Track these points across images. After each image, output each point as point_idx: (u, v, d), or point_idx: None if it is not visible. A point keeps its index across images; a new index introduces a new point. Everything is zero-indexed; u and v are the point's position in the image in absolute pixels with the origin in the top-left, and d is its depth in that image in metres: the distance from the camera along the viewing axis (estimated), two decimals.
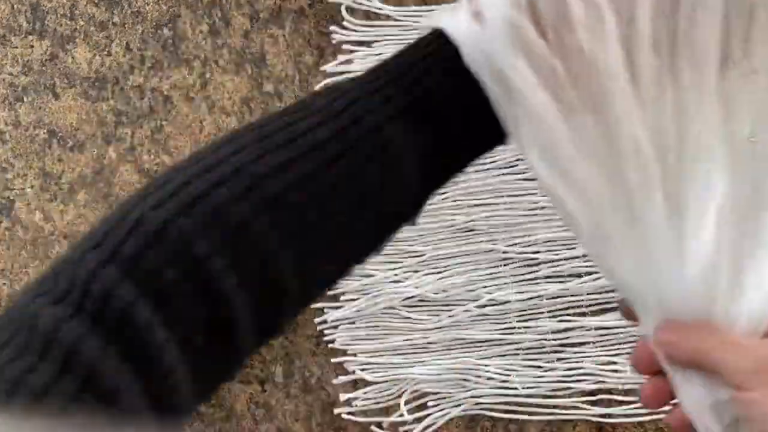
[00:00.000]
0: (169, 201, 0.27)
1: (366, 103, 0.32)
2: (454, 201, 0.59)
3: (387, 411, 0.60)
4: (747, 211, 0.34)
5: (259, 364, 0.61)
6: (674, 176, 0.32)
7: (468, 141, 0.34)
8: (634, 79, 0.30)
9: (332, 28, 0.60)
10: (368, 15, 0.60)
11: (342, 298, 0.61)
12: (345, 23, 0.60)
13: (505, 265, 0.59)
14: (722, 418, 0.34)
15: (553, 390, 0.59)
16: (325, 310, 0.61)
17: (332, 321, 0.61)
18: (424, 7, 0.59)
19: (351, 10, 0.60)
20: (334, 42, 0.60)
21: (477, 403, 0.59)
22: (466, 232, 0.59)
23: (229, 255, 0.27)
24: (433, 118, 0.32)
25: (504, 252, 0.59)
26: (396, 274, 0.60)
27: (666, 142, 0.32)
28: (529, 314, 0.59)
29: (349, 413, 0.60)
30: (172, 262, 0.26)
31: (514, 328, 0.59)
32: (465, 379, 0.59)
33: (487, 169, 0.59)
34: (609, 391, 0.59)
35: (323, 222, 0.31)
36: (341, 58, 0.60)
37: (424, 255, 0.60)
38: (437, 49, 0.32)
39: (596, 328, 0.59)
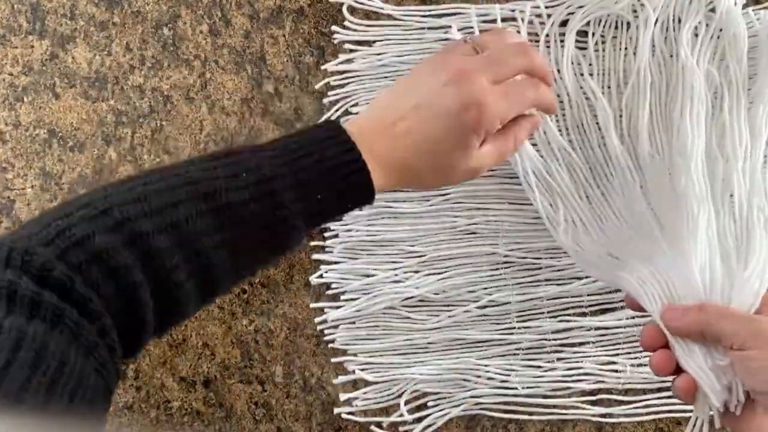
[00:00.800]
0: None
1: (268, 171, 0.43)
2: (456, 203, 0.59)
3: (387, 411, 0.61)
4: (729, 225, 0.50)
5: (259, 364, 0.61)
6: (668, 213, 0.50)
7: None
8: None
9: (333, 28, 0.60)
10: (368, 15, 0.60)
11: (342, 298, 0.61)
12: (346, 23, 0.60)
13: (506, 268, 0.59)
14: (721, 378, 0.43)
15: (553, 390, 0.59)
16: (326, 310, 0.61)
17: (332, 321, 0.61)
18: (424, 7, 0.59)
19: (352, 10, 0.60)
20: (335, 42, 0.60)
21: (477, 403, 0.59)
22: (467, 234, 0.59)
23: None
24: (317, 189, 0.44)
25: (505, 255, 0.59)
26: (396, 275, 0.60)
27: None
28: (529, 314, 0.59)
29: (349, 413, 0.60)
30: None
31: (514, 328, 0.59)
32: (465, 379, 0.59)
33: (489, 173, 0.59)
34: (609, 391, 0.59)
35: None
36: (342, 57, 0.60)
37: (424, 256, 0.60)
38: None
39: (596, 328, 0.59)
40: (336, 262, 0.61)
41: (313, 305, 0.61)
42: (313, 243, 0.61)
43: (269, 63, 0.61)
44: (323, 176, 0.43)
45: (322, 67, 0.60)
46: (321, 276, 0.61)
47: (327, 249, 0.61)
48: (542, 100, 0.49)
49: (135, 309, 0.39)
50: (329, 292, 0.61)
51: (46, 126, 0.62)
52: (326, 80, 0.60)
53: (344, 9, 0.59)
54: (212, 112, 0.61)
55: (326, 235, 0.61)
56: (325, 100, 0.60)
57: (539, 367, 0.59)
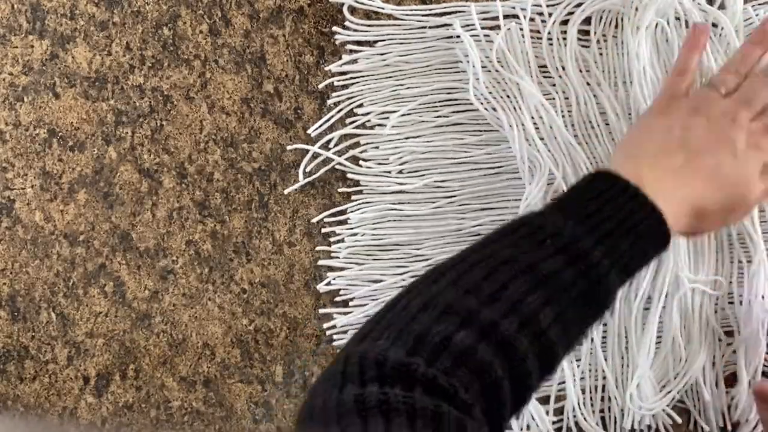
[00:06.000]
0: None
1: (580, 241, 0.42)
2: (461, 205, 0.59)
3: None
4: None
5: (259, 364, 0.61)
6: None
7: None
8: None
9: (335, 29, 0.60)
10: (368, 15, 0.60)
11: (351, 304, 0.61)
12: (347, 23, 0.60)
13: None
14: None
15: (558, 392, 0.59)
16: (334, 316, 0.61)
17: (341, 326, 0.61)
18: (424, 6, 0.59)
19: (352, 10, 0.60)
20: (336, 42, 0.60)
21: None
22: (473, 236, 0.59)
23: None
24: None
25: None
26: (404, 279, 0.60)
27: None
28: None
29: None
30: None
31: None
32: None
33: (495, 173, 0.59)
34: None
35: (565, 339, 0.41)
36: (346, 57, 0.60)
37: (430, 259, 0.59)
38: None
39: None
40: (342, 268, 0.61)
41: (322, 311, 0.61)
42: (318, 248, 0.61)
43: (269, 63, 0.61)
44: (622, 229, 0.43)
45: (326, 68, 0.61)
46: (329, 283, 0.61)
47: (333, 254, 0.61)
48: None
49: (497, 405, 0.37)
50: (337, 299, 0.61)
51: (46, 126, 0.62)
52: (329, 80, 0.60)
53: (345, 9, 0.59)
54: (212, 112, 0.61)
55: (332, 240, 0.61)
56: (329, 102, 0.60)
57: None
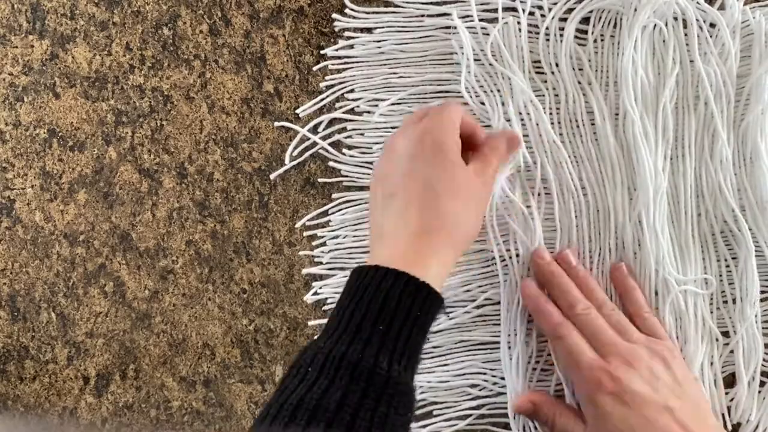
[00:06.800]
0: None
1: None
2: None
3: None
4: None
5: (259, 364, 0.61)
6: None
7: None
8: None
9: (334, 15, 0.60)
10: (369, 3, 0.60)
11: None
12: (347, 11, 0.60)
13: (504, 264, 0.59)
14: None
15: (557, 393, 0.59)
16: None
17: None
18: None
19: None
20: (336, 29, 0.60)
21: (483, 415, 0.59)
22: None
23: None
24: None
25: (491, 251, 0.58)
26: None
27: None
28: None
29: None
30: None
31: (516, 329, 0.59)
32: (472, 385, 0.59)
33: None
34: None
35: None
36: (342, 42, 0.60)
37: None
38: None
39: None
40: (326, 276, 0.60)
41: (312, 323, 0.61)
42: (302, 252, 0.61)
43: (269, 63, 0.61)
44: (401, 325, 0.43)
45: (322, 52, 0.60)
46: (315, 293, 0.60)
47: (316, 259, 0.61)
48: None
49: None
50: (325, 308, 0.61)
51: (46, 126, 0.62)
52: (324, 63, 0.60)
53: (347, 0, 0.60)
54: (212, 112, 0.61)
55: (314, 243, 0.61)
56: (322, 84, 0.60)
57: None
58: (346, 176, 0.60)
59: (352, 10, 0.60)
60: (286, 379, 0.41)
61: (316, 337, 0.45)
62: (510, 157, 0.55)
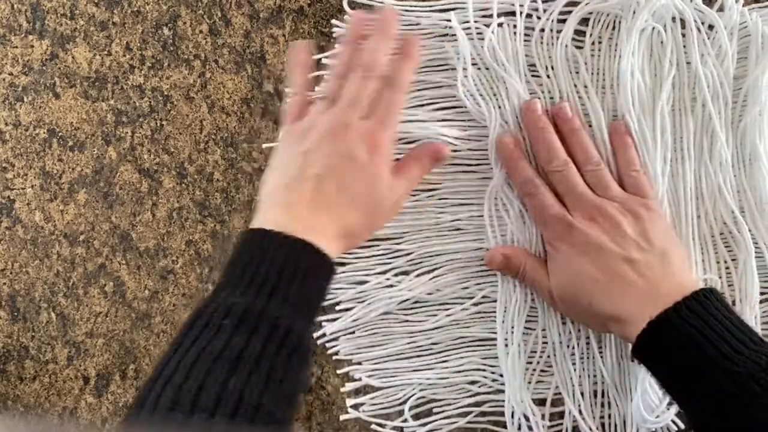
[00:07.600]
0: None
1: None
2: (440, 199, 0.59)
3: (389, 416, 0.60)
4: None
5: None
6: None
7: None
8: None
9: (333, 21, 0.60)
10: (368, 9, 0.60)
11: (337, 308, 0.60)
12: (346, 17, 0.60)
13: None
14: None
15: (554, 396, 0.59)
16: (323, 324, 0.60)
17: (331, 333, 0.60)
18: (423, 3, 0.59)
19: (353, 5, 0.60)
20: (335, 35, 0.60)
21: (482, 413, 0.59)
22: (452, 230, 0.59)
23: None
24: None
25: (489, 249, 0.59)
26: (388, 279, 0.59)
27: None
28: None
29: (356, 418, 0.60)
30: None
31: (513, 326, 0.59)
32: (471, 382, 0.59)
33: (472, 171, 0.59)
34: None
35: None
36: (339, 48, 0.60)
37: (411, 254, 0.59)
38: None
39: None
40: None
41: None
42: None
43: (269, 63, 0.61)
44: (289, 279, 0.44)
45: (319, 56, 0.60)
46: None
47: None
48: (397, 83, 0.52)
49: None
50: (325, 305, 0.61)
51: (46, 126, 0.62)
52: (319, 72, 0.60)
53: (345, 3, 0.59)
54: (212, 112, 0.62)
55: None
56: (317, 89, 0.60)
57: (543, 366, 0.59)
58: None
59: (350, 16, 0.59)
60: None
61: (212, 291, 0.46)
62: (432, 168, 0.56)
